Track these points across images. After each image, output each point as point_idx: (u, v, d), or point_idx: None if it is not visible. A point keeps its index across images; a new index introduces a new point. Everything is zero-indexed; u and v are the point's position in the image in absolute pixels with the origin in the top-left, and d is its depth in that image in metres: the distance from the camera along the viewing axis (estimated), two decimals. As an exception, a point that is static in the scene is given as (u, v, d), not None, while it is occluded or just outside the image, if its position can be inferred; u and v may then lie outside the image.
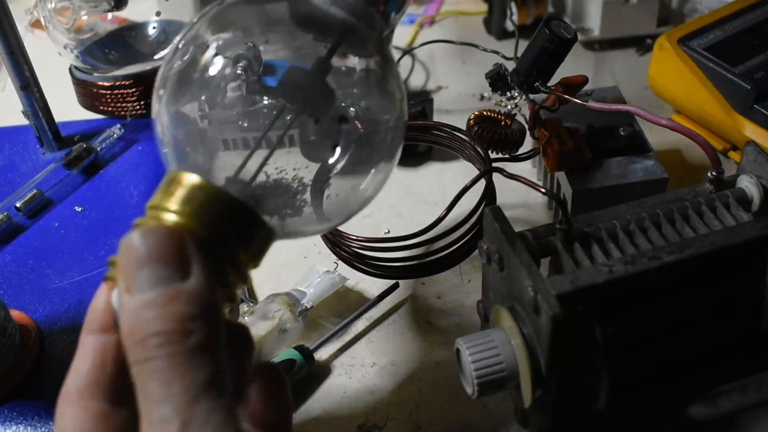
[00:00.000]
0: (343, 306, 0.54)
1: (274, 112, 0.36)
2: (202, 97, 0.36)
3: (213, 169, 0.35)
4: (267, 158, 0.34)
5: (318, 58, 0.36)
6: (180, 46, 0.36)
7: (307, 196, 0.37)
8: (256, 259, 0.33)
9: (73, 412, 0.30)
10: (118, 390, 0.30)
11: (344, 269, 0.54)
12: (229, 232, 0.31)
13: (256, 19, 0.38)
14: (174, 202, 0.31)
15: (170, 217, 0.31)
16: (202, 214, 0.31)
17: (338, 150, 0.37)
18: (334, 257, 0.54)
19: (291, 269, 0.56)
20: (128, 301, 0.28)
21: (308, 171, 0.36)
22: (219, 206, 0.31)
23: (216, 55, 0.36)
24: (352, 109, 0.38)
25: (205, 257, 0.30)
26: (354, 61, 0.38)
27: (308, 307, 0.52)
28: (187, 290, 0.28)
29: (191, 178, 0.31)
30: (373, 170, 0.37)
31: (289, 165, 0.36)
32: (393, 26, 0.41)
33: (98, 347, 0.31)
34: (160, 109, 0.36)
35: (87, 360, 0.31)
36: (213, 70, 0.36)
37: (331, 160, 0.37)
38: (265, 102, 0.36)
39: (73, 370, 0.31)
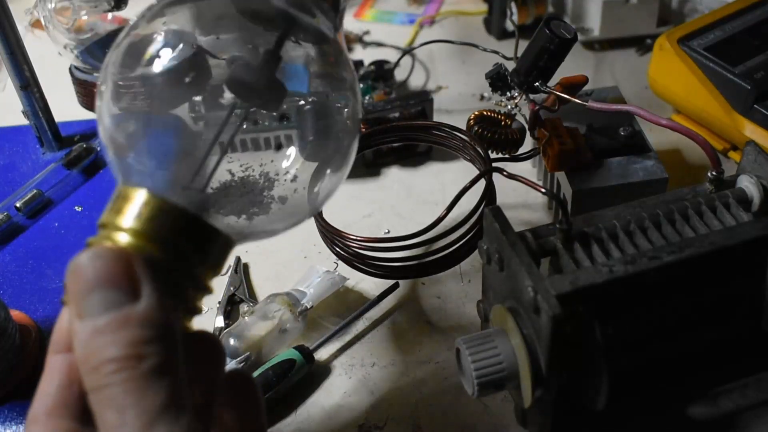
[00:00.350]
0: (343, 306, 0.54)
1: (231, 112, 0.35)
2: (131, 125, 0.34)
3: (164, 176, 0.33)
4: (219, 162, 0.33)
5: (265, 50, 0.35)
6: (122, 41, 0.35)
7: (274, 191, 0.36)
8: (215, 268, 0.32)
9: None
10: (85, 409, 0.29)
11: (344, 269, 0.54)
12: (184, 246, 0.30)
13: (204, 14, 0.37)
14: (124, 220, 0.30)
15: (121, 237, 0.30)
16: (153, 231, 0.30)
17: (292, 147, 0.36)
18: (334, 257, 0.54)
19: (291, 269, 0.57)
20: (80, 327, 0.28)
21: (273, 165, 0.36)
22: (170, 221, 0.30)
23: (162, 58, 0.35)
24: (302, 102, 0.37)
25: (158, 275, 0.29)
26: (305, 51, 0.37)
27: (308, 307, 0.52)
28: (138, 313, 0.28)
29: (140, 194, 0.30)
30: (333, 161, 0.37)
31: (255, 161, 0.35)
32: (342, 13, 0.41)
33: (64, 368, 0.30)
34: (101, 108, 0.34)
35: (54, 381, 0.30)
36: (160, 76, 0.35)
37: (288, 153, 0.36)
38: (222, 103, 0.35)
39: (40, 392, 0.30)
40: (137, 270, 0.29)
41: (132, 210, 0.30)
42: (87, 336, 0.28)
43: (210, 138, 0.34)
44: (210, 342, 0.33)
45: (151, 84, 0.34)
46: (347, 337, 0.53)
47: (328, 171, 0.36)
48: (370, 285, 0.55)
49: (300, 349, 0.50)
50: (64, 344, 0.30)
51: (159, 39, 0.35)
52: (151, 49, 0.35)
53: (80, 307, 0.28)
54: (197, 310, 0.32)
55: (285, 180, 0.36)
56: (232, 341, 0.49)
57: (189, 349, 0.30)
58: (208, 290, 0.32)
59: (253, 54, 0.36)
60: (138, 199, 0.30)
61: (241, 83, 0.34)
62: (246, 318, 0.51)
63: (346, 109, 0.37)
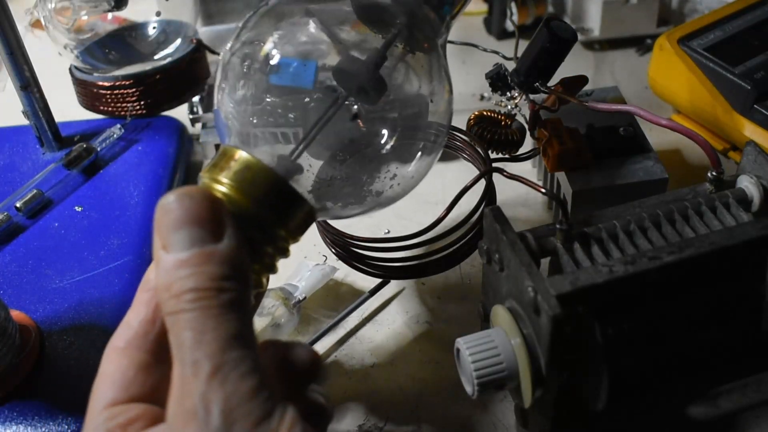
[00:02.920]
0: (336, 301, 0.55)
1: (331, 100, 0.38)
2: (253, 110, 0.38)
3: (265, 150, 0.38)
4: (310, 139, 0.37)
5: (374, 48, 0.39)
6: (241, 41, 0.39)
7: (373, 186, 0.40)
8: (295, 234, 0.35)
9: (118, 359, 0.33)
10: (162, 347, 0.32)
11: (342, 268, 0.54)
12: (272, 206, 0.34)
13: (325, 17, 0.40)
14: (223, 174, 0.34)
15: (218, 187, 0.33)
16: (247, 187, 0.33)
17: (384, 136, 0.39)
18: (334, 256, 0.54)
19: (291, 269, 0.57)
20: (164, 258, 0.30)
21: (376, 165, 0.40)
22: (264, 182, 0.34)
23: (276, 54, 0.39)
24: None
25: (244, 227, 0.32)
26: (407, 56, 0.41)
27: (301, 298, 0.52)
28: (220, 252, 0.30)
29: (242, 155, 0.34)
30: (418, 155, 0.41)
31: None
32: (448, 28, 0.44)
33: (151, 304, 0.33)
34: (223, 98, 0.39)
35: (139, 314, 0.33)
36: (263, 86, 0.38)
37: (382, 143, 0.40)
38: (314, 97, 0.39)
39: (124, 323, 0.33)
40: (222, 213, 0.31)
41: (232, 167, 0.34)
42: (171, 266, 0.30)
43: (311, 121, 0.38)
44: (312, 363, 0.35)
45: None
46: (347, 337, 0.53)
47: (417, 162, 0.41)
48: (360, 277, 0.55)
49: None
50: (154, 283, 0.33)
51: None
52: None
53: (167, 241, 0.30)
54: (273, 269, 0.35)
55: (386, 177, 0.40)
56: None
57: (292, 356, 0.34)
58: (285, 253, 0.35)
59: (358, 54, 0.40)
60: (239, 158, 0.34)
61: (348, 74, 0.38)
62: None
63: (440, 109, 0.41)
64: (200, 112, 0.67)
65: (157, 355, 0.32)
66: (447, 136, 0.42)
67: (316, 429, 0.34)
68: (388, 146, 0.39)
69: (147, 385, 0.32)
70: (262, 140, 0.38)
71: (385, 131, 0.39)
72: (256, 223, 0.33)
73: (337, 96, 0.38)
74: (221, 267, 0.30)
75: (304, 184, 0.38)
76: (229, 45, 0.40)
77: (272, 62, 0.38)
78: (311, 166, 0.39)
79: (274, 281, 0.55)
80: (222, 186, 0.33)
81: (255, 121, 0.38)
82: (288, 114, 0.38)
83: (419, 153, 0.41)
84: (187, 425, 0.29)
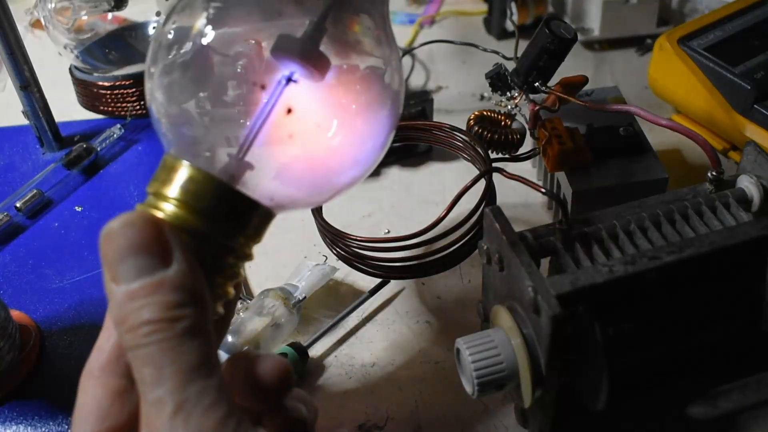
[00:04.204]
0: (336, 300, 0.55)
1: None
2: (201, 94, 0.35)
3: (211, 151, 0.35)
4: (255, 134, 0.34)
5: (310, 21, 0.35)
6: (172, 20, 0.35)
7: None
8: (255, 238, 0.34)
9: (92, 388, 0.32)
10: None
11: (342, 268, 0.54)
12: (224, 216, 0.32)
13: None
14: (169, 191, 0.32)
15: (165, 206, 0.32)
16: (196, 203, 0.32)
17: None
18: (334, 256, 0.54)
19: (290, 269, 0.56)
20: (114, 291, 0.29)
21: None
22: (211, 192, 0.32)
23: (214, 51, 0.35)
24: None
25: (199, 243, 0.31)
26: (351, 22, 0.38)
27: (301, 298, 0.52)
28: (170, 278, 0.29)
29: (185, 167, 0.32)
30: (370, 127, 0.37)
31: None
32: None
33: None
34: (152, 88, 0.35)
35: (110, 338, 0.32)
36: (214, 69, 0.35)
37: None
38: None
39: (97, 348, 0.33)
40: (167, 237, 0.30)
41: (175, 181, 0.32)
42: (122, 299, 0.29)
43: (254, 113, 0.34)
44: (281, 370, 0.34)
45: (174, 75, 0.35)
46: (347, 337, 0.53)
47: (372, 138, 0.37)
48: (360, 277, 0.55)
49: (294, 346, 0.50)
50: None
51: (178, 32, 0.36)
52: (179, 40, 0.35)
53: (114, 272, 0.30)
54: (237, 276, 0.34)
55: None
56: (229, 338, 0.49)
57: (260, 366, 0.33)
58: (248, 257, 0.34)
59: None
60: (181, 170, 0.32)
61: (285, 51, 0.35)
62: (241, 314, 0.51)
63: (388, 82, 0.37)
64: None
65: (132, 377, 0.31)
66: (397, 106, 0.38)
67: None
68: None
69: (124, 413, 0.31)
70: (201, 136, 0.35)
71: (335, 120, 0.36)
72: (211, 238, 0.32)
73: (284, 78, 0.34)
74: (173, 294, 0.29)
75: (256, 179, 0.34)
76: (161, 23, 0.36)
77: (205, 41, 0.35)
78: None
79: (274, 281, 0.56)
80: (168, 203, 0.32)
81: (191, 114, 0.35)
82: (228, 102, 0.35)
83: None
84: None
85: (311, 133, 0.36)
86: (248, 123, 0.34)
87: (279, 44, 0.35)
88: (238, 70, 0.35)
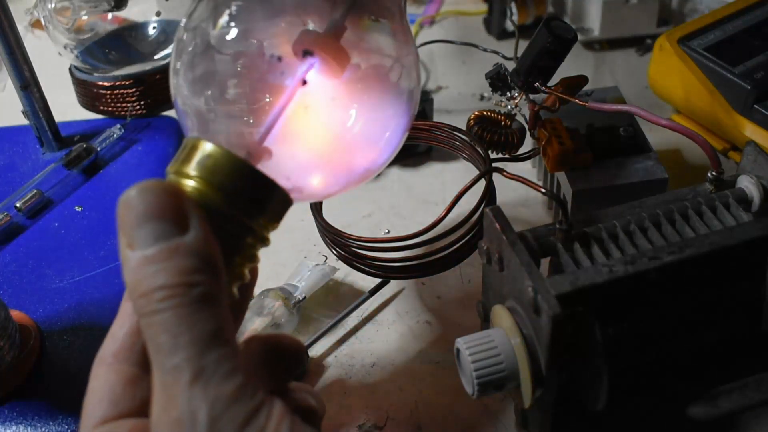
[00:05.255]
0: (336, 300, 0.55)
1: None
2: (210, 92, 0.36)
3: (230, 136, 0.36)
4: (275, 121, 0.35)
5: (331, 19, 0.37)
6: (195, 17, 0.37)
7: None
8: (273, 221, 0.34)
9: (105, 374, 0.32)
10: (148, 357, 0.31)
11: (342, 268, 0.54)
12: (243, 195, 0.32)
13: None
14: (190, 168, 0.32)
15: (188, 182, 0.32)
16: (218, 180, 0.32)
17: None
18: (333, 256, 0.54)
19: (290, 268, 0.56)
20: (130, 256, 0.29)
21: None
22: (232, 171, 0.32)
23: (226, 50, 0.37)
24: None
25: (218, 221, 0.31)
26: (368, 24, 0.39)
27: (301, 298, 0.52)
28: (186, 244, 0.29)
29: (207, 146, 0.33)
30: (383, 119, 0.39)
31: None
32: None
33: (135, 314, 0.31)
34: (178, 82, 0.37)
35: (124, 326, 0.32)
36: (222, 66, 0.36)
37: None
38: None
39: (110, 335, 0.33)
40: (185, 204, 0.30)
41: (197, 159, 0.32)
42: (137, 264, 0.29)
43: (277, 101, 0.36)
44: (294, 351, 0.35)
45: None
46: (347, 337, 0.53)
47: (387, 134, 0.39)
48: (360, 277, 0.55)
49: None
50: None
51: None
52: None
53: (131, 238, 0.29)
54: (255, 260, 0.34)
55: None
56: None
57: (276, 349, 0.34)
58: (266, 241, 0.34)
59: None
60: (204, 149, 0.32)
61: (307, 46, 0.36)
62: (242, 315, 0.51)
63: (403, 80, 0.39)
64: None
65: (145, 366, 0.31)
66: (411, 105, 0.39)
67: (309, 422, 0.34)
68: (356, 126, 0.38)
69: (137, 399, 0.31)
70: (224, 125, 0.36)
71: (352, 111, 0.37)
72: (231, 215, 0.32)
73: (306, 70, 0.36)
74: (189, 260, 0.29)
75: (274, 162, 0.36)
76: (183, 21, 0.38)
77: (228, 37, 0.36)
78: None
79: (274, 281, 0.56)
80: (190, 180, 0.32)
81: (214, 104, 0.36)
82: (248, 93, 0.36)
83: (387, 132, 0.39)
84: None
85: (328, 120, 0.37)
86: (269, 111, 0.35)
87: (301, 39, 0.36)
88: (259, 64, 0.36)
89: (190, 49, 0.37)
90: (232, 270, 0.33)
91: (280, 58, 0.36)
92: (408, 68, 0.39)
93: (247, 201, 0.33)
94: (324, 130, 0.37)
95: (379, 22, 0.39)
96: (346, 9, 0.37)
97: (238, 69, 0.36)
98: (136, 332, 0.32)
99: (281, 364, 0.35)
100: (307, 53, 0.36)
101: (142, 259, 0.29)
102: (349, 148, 0.38)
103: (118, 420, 0.31)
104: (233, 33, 0.36)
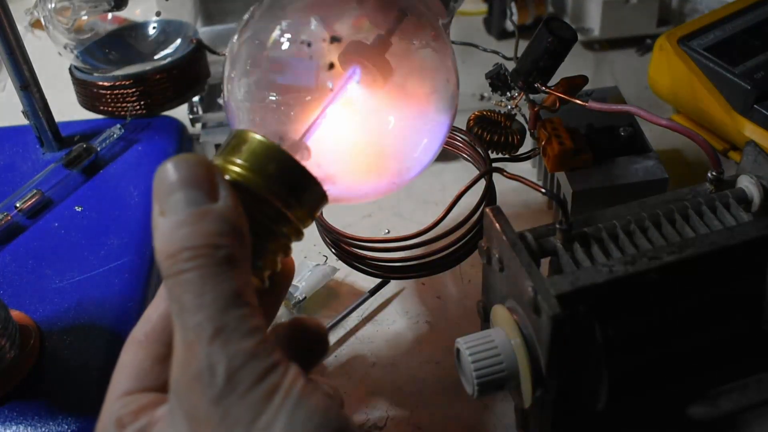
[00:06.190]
0: (336, 301, 0.55)
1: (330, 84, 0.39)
2: (263, 95, 0.39)
3: (274, 133, 0.38)
4: (316, 119, 0.38)
5: (378, 34, 0.40)
6: (248, 32, 0.41)
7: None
8: (309, 216, 0.36)
9: (135, 351, 0.34)
10: None
11: (342, 268, 0.54)
12: (284, 185, 0.35)
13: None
14: (237, 156, 0.35)
15: (233, 168, 0.34)
16: (261, 168, 0.34)
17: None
18: (333, 257, 0.54)
19: (291, 269, 0.57)
20: (161, 222, 0.31)
21: None
22: (277, 162, 0.35)
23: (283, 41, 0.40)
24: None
25: (258, 206, 0.34)
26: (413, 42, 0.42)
27: (301, 298, 0.52)
28: (215, 210, 0.31)
29: (255, 137, 0.35)
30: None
31: None
32: (452, 14, 0.47)
33: None
34: (233, 89, 0.40)
35: (158, 308, 0.34)
36: (274, 75, 0.40)
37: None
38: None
39: (145, 316, 0.35)
40: (217, 176, 0.32)
41: (244, 148, 0.35)
42: (167, 228, 0.31)
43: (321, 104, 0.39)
44: (318, 335, 0.37)
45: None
46: (347, 337, 0.53)
47: (422, 144, 0.42)
48: (360, 277, 0.55)
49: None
50: None
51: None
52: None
53: (163, 205, 0.31)
54: (287, 250, 0.36)
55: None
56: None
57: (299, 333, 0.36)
58: (299, 234, 0.36)
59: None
60: (251, 139, 0.35)
61: (355, 55, 0.40)
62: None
63: (443, 96, 0.43)
64: (200, 112, 0.67)
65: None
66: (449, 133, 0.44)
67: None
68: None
69: (162, 377, 0.33)
70: (270, 123, 0.39)
71: (391, 118, 0.41)
72: (269, 201, 0.34)
73: (348, 79, 0.39)
74: (216, 224, 0.31)
75: (312, 165, 0.38)
76: (236, 36, 0.41)
77: (276, 52, 0.40)
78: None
79: (274, 281, 0.56)
80: (235, 167, 0.34)
81: (263, 105, 0.39)
82: (296, 96, 0.39)
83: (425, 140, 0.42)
84: (191, 389, 0.29)
85: (367, 126, 0.40)
86: (313, 113, 0.39)
87: (350, 49, 0.40)
88: (309, 71, 0.39)
89: (245, 58, 0.40)
90: (264, 256, 0.35)
91: (332, 65, 0.39)
92: (450, 86, 0.43)
93: (284, 189, 0.34)
94: (363, 134, 0.40)
95: (427, 43, 0.42)
96: (394, 24, 0.41)
97: (290, 75, 0.39)
98: (168, 315, 0.33)
99: (304, 344, 0.36)
100: (352, 62, 0.39)
101: (172, 224, 0.31)
102: (384, 154, 0.41)
103: (141, 393, 0.33)
104: (286, 44, 0.40)
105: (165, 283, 0.31)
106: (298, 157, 0.36)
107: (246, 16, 0.42)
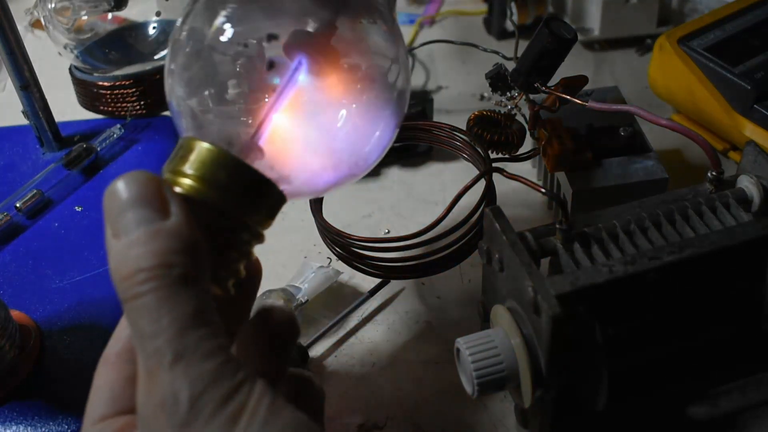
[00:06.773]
0: (338, 302, 0.55)
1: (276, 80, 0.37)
2: (205, 93, 0.37)
3: (224, 136, 0.36)
4: (266, 117, 0.36)
5: (323, 19, 0.38)
6: (190, 19, 0.38)
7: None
8: (268, 219, 0.35)
9: (107, 373, 0.33)
10: None
11: (340, 266, 0.54)
12: (238, 193, 0.33)
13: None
14: (186, 167, 0.33)
15: (184, 180, 0.33)
16: (212, 178, 0.33)
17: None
18: (334, 257, 0.54)
19: (290, 269, 0.57)
20: (114, 244, 0.30)
21: None
22: (228, 169, 0.33)
23: (221, 51, 0.37)
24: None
25: (213, 218, 0.32)
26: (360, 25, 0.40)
27: (303, 301, 0.52)
28: (167, 228, 0.30)
29: (202, 145, 0.33)
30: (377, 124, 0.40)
31: None
32: None
33: None
34: (173, 83, 0.38)
35: (127, 328, 0.33)
36: (216, 67, 0.37)
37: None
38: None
39: (114, 336, 0.34)
40: (167, 192, 0.31)
41: (192, 158, 0.33)
42: (121, 250, 0.30)
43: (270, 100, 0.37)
44: (286, 320, 0.36)
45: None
46: (347, 337, 0.53)
47: (377, 134, 0.40)
48: (363, 279, 0.55)
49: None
50: None
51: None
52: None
53: (115, 226, 0.30)
54: (250, 256, 0.35)
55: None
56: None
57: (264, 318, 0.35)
58: (261, 237, 0.35)
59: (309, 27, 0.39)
60: (198, 148, 0.33)
61: (299, 45, 0.37)
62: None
63: (394, 80, 0.40)
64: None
65: None
66: (403, 103, 0.40)
67: (309, 406, 0.34)
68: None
69: (134, 397, 0.32)
70: (217, 125, 0.37)
71: (343, 111, 0.38)
72: (225, 210, 0.33)
73: (295, 70, 0.37)
74: (168, 242, 0.30)
75: (266, 165, 0.36)
76: (178, 23, 0.38)
77: (222, 38, 0.37)
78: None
79: (274, 281, 0.56)
80: (185, 178, 0.33)
81: (208, 103, 0.37)
82: (241, 93, 0.37)
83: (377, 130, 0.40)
84: (156, 417, 0.29)
85: (319, 119, 0.38)
86: (261, 111, 0.36)
87: (293, 38, 0.37)
88: (251, 63, 0.37)
89: (186, 50, 0.37)
90: (226, 266, 0.34)
91: (272, 61, 0.37)
92: (401, 69, 0.39)
93: (240, 197, 0.33)
94: (315, 128, 0.38)
95: (374, 23, 0.39)
96: (335, 9, 0.38)
97: (232, 69, 0.37)
98: None
99: (274, 331, 0.35)
100: (297, 53, 0.37)
101: (124, 245, 0.30)
102: (339, 146, 0.38)
103: (115, 417, 0.32)
104: (228, 34, 0.37)
105: (123, 307, 0.30)
106: (250, 159, 0.35)
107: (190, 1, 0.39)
